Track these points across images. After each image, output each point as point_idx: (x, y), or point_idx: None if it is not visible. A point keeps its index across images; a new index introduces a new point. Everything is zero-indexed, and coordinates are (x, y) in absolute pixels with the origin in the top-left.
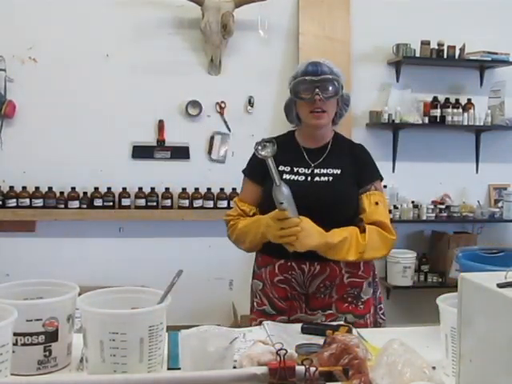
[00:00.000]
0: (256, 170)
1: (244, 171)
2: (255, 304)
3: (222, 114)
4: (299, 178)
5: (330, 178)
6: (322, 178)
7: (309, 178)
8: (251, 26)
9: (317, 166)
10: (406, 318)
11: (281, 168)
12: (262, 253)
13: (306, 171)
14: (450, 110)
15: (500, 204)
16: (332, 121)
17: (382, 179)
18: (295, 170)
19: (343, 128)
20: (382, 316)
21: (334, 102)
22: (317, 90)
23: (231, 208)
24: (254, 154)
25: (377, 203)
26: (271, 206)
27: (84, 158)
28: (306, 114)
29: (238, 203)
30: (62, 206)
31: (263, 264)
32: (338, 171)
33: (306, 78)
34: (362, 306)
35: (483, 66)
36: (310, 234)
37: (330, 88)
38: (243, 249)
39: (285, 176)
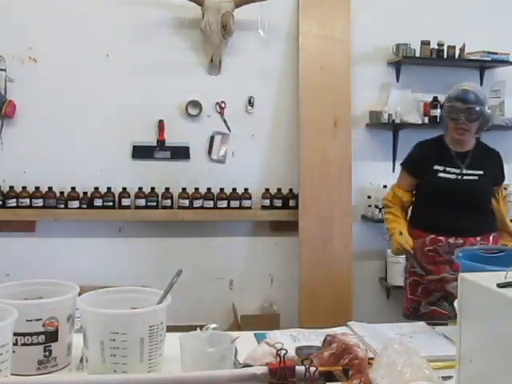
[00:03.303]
0: (415, 166)
1: (403, 164)
2: (408, 266)
3: (222, 114)
4: (451, 177)
5: (476, 178)
6: (471, 177)
7: (459, 177)
8: (251, 25)
9: (465, 168)
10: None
11: (435, 167)
12: (414, 228)
13: (457, 171)
14: None
15: None
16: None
17: (504, 178)
18: (447, 169)
19: (343, 128)
20: None
21: (476, 122)
22: (462, 116)
23: (232, 208)
24: (416, 151)
25: (505, 196)
26: (427, 195)
27: (84, 158)
28: (452, 128)
29: (395, 189)
30: (62, 206)
31: (415, 237)
32: (481, 172)
33: (456, 104)
34: None
35: (483, 65)
36: None
37: (474, 116)
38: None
39: (440, 174)
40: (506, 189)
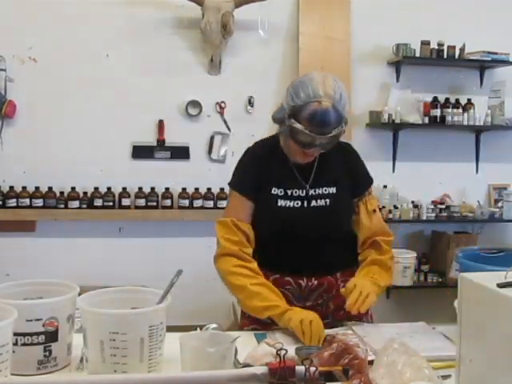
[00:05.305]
0: (250, 184)
1: (235, 186)
2: None
3: (222, 114)
4: (295, 204)
5: (327, 201)
6: (319, 202)
7: (305, 203)
8: (251, 25)
9: (311, 186)
10: (405, 317)
11: (274, 191)
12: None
13: (301, 193)
14: (450, 109)
15: (500, 204)
16: None
17: (372, 181)
18: (289, 193)
19: None
20: (370, 319)
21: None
22: (318, 147)
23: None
24: (249, 164)
25: (374, 210)
26: (261, 227)
27: (84, 158)
28: (296, 150)
29: (239, 223)
30: (62, 206)
31: None
32: (334, 189)
33: (311, 134)
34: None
35: (483, 65)
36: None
37: (331, 143)
38: (237, 299)
39: (279, 202)
40: (372, 196)
